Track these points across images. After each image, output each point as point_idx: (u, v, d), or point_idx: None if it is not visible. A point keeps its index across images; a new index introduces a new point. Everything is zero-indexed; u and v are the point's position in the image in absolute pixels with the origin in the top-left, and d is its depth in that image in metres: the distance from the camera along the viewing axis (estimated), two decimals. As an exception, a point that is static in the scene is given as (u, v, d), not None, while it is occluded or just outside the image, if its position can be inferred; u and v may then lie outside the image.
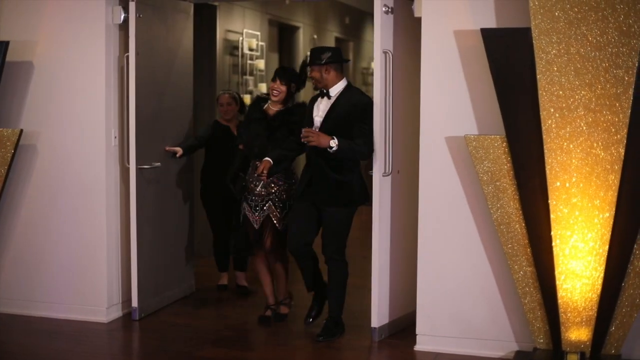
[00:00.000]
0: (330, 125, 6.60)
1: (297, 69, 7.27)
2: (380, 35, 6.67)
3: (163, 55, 7.59)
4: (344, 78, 6.77)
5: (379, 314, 6.80)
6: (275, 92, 7.07)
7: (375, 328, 6.80)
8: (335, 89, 6.70)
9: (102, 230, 7.27)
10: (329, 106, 6.67)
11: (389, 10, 6.71)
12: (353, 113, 6.58)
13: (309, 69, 6.81)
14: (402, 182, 6.91)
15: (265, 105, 7.21)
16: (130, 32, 7.14)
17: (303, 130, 6.56)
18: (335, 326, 6.82)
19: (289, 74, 7.14)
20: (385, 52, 6.68)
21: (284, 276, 7.34)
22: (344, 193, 6.65)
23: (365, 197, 6.76)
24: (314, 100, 6.85)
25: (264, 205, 7.08)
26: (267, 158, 6.85)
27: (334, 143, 6.45)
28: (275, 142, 7.01)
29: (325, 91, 6.71)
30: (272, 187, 7.08)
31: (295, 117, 7.04)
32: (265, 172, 6.82)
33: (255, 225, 7.12)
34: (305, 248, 6.81)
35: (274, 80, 7.11)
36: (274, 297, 7.36)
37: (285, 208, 7.09)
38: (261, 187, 7.08)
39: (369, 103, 6.64)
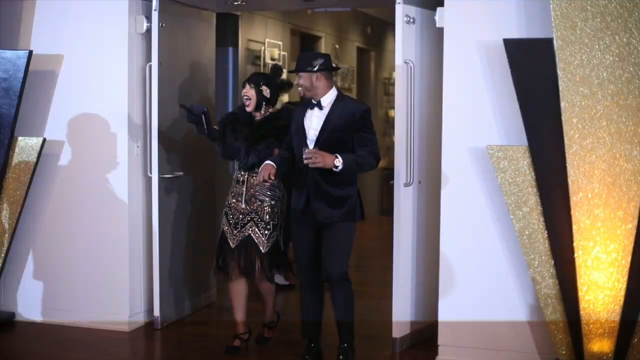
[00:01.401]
0: (327, 137, 6.12)
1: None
2: (402, 45, 6.65)
3: (185, 65, 7.62)
4: (334, 87, 6.29)
5: (400, 325, 6.78)
6: (245, 97, 6.61)
7: (396, 339, 6.77)
8: (327, 99, 6.21)
9: (125, 239, 7.29)
10: (323, 117, 6.18)
11: (411, 20, 6.70)
12: (351, 123, 6.11)
13: (297, 75, 6.27)
14: (423, 192, 6.90)
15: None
16: (153, 42, 7.17)
17: (306, 151, 6.03)
18: (353, 351, 6.34)
19: (258, 77, 6.70)
20: (407, 62, 6.67)
21: (272, 296, 6.84)
22: (346, 208, 6.18)
23: (362, 213, 6.29)
24: (301, 111, 6.33)
25: (245, 224, 6.56)
26: (269, 162, 6.27)
27: (339, 162, 5.95)
28: (257, 151, 6.54)
29: (315, 101, 6.22)
30: (255, 202, 6.55)
31: (281, 121, 6.60)
32: (272, 178, 6.22)
33: (231, 244, 6.60)
34: (318, 273, 6.34)
35: (243, 86, 6.69)
36: (245, 326, 6.77)
37: (269, 228, 6.55)
38: (244, 203, 6.58)
39: (367, 110, 6.21)
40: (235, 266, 6.61)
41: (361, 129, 6.12)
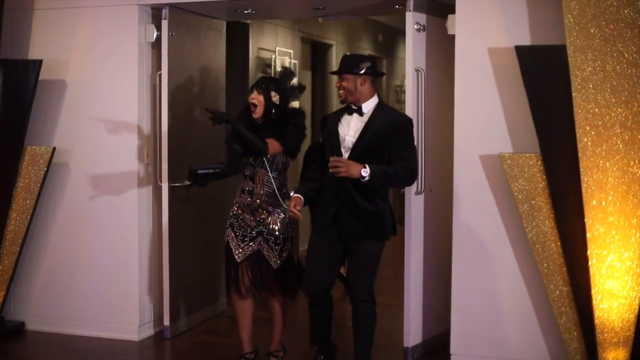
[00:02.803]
0: (364, 146, 5.75)
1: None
2: (412, 53, 6.63)
3: (195, 73, 7.60)
4: (376, 94, 5.94)
5: (412, 334, 6.74)
6: (252, 103, 6.21)
7: (408, 348, 6.73)
8: (368, 105, 5.85)
9: (135, 248, 7.27)
10: (362, 124, 5.81)
11: (421, 28, 6.68)
12: (391, 133, 5.73)
13: (339, 77, 5.89)
14: (434, 200, 6.86)
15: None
16: (163, 51, 7.16)
17: (331, 159, 5.69)
18: None
19: (267, 81, 6.28)
20: (417, 70, 6.64)
21: (282, 318, 6.43)
22: (377, 225, 5.84)
23: (394, 229, 6.00)
24: (336, 116, 5.99)
25: (254, 237, 6.22)
26: (297, 195, 5.96)
27: (365, 172, 5.59)
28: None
29: (355, 107, 5.88)
30: (262, 213, 6.20)
31: (289, 123, 6.19)
32: (298, 208, 5.88)
33: (237, 258, 6.25)
34: (329, 289, 6.06)
35: (251, 91, 6.31)
36: (251, 344, 6.47)
37: (279, 242, 6.22)
38: (248, 214, 6.23)
39: (408, 122, 5.90)
40: (242, 282, 6.28)
41: (400, 140, 5.76)
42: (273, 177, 6.22)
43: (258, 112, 6.22)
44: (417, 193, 6.65)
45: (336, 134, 5.88)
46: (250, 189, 6.24)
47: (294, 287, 6.35)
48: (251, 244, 6.23)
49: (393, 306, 7.60)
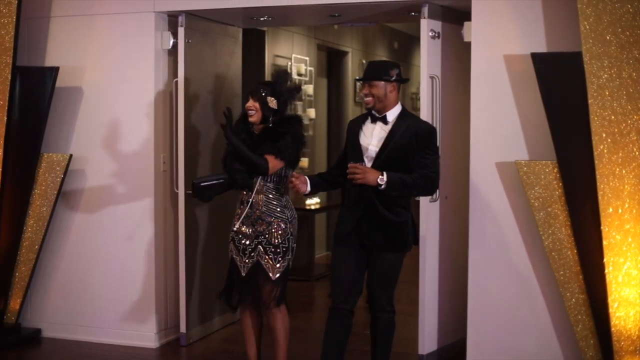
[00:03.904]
0: (387, 156, 5.56)
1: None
2: (427, 60, 6.63)
3: (211, 81, 7.61)
4: (399, 101, 5.75)
5: (427, 341, 6.73)
6: (250, 111, 6.00)
7: (422, 355, 6.72)
8: (393, 113, 5.65)
9: (151, 255, 7.28)
10: (386, 133, 5.61)
11: (436, 35, 6.67)
12: (414, 142, 5.55)
13: (367, 84, 5.65)
14: (450, 207, 6.85)
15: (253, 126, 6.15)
16: (179, 58, 7.18)
17: (349, 165, 5.52)
18: None
19: (262, 87, 6.03)
20: (432, 77, 6.64)
21: (285, 336, 6.11)
22: (400, 235, 5.65)
23: (417, 239, 5.87)
24: (357, 123, 5.81)
25: (254, 249, 6.02)
26: (307, 176, 5.85)
27: (382, 180, 5.42)
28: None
29: (379, 115, 5.67)
30: (262, 224, 5.99)
31: (287, 133, 5.98)
32: (295, 182, 5.72)
33: (242, 272, 6.07)
34: (356, 300, 5.78)
35: (247, 99, 6.08)
36: None
37: (279, 253, 5.98)
38: (248, 226, 6.02)
39: (432, 130, 5.68)
40: (246, 297, 6.08)
41: (423, 149, 5.56)
42: (273, 187, 6.04)
43: (256, 118, 6.01)
44: (432, 200, 6.64)
45: (357, 142, 5.71)
46: (250, 199, 6.04)
47: (283, 298, 6.07)
48: (251, 256, 6.02)
49: (408, 314, 7.58)
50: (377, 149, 5.61)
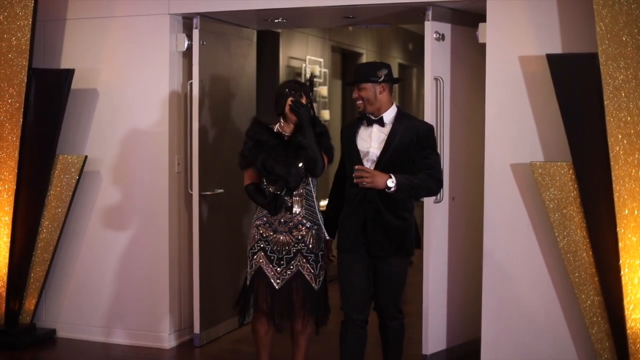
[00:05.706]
0: (390, 157, 5.45)
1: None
2: (431, 61, 6.63)
3: (226, 82, 7.62)
4: (394, 102, 5.66)
5: (431, 341, 6.73)
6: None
7: (426, 355, 6.73)
8: (389, 115, 5.54)
9: (165, 257, 7.29)
10: (385, 135, 5.51)
11: (440, 36, 6.67)
12: (415, 143, 5.46)
13: (356, 88, 5.54)
14: (457, 208, 6.84)
15: (275, 127, 6.00)
16: (194, 60, 7.18)
17: (355, 168, 5.34)
18: None
19: (306, 86, 5.91)
20: (436, 79, 6.63)
21: (307, 345, 5.99)
22: (405, 240, 5.55)
23: (418, 241, 5.87)
24: (352, 128, 5.66)
25: (292, 257, 5.76)
26: (331, 239, 5.80)
27: (392, 183, 5.26)
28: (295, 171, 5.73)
29: (374, 117, 5.54)
30: (301, 230, 5.78)
31: (322, 134, 5.82)
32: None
33: (274, 284, 5.77)
34: (369, 309, 5.66)
35: (300, 96, 5.83)
36: None
37: (317, 260, 5.81)
38: (286, 234, 5.77)
39: (431, 129, 5.57)
40: (277, 310, 5.79)
41: (424, 149, 5.47)
42: (311, 190, 5.89)
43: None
44: (437, 201, 6.64)
45: (355, 147, 5.57)
46: (289, 204, 5.80)
47: (325, 314, 5.95)
48: (290, 265, 5.78)
49: (413, 314, 7.54)
50: (378, 152, 5.49)
